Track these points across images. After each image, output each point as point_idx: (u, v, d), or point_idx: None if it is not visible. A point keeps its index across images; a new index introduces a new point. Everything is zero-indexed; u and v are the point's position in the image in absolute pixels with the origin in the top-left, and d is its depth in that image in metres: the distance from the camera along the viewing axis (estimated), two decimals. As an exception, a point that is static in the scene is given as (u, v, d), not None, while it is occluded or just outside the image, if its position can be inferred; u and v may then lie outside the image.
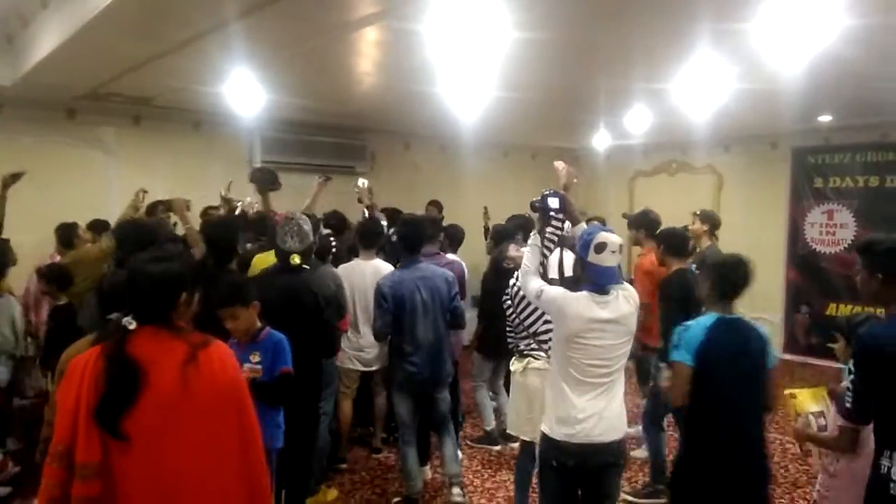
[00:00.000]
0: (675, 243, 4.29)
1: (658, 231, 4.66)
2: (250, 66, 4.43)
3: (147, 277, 1.88)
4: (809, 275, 7.95)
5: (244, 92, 4.92)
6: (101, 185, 6.07)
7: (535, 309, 3.47)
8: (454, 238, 5.60)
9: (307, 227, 3.56)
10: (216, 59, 4.25)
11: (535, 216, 3.13)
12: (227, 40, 3.81)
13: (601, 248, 2.72)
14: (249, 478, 1.94)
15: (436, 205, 6.81)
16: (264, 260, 4.01)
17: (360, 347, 4.59)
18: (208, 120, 6.51)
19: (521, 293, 3.50)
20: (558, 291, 2.81)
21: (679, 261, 4.24)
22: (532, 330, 3.57)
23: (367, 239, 4.62)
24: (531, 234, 3.08)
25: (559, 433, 2.75)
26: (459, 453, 4.70)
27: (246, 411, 1.96)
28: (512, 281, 3.66)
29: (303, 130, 7.17)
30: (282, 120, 6.84)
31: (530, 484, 3.81)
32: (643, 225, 4.99)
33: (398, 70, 4.76)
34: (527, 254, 3.01)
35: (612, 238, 2.75)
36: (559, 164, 3.31)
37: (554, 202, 3.01)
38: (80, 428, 1.75)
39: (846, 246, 7.66)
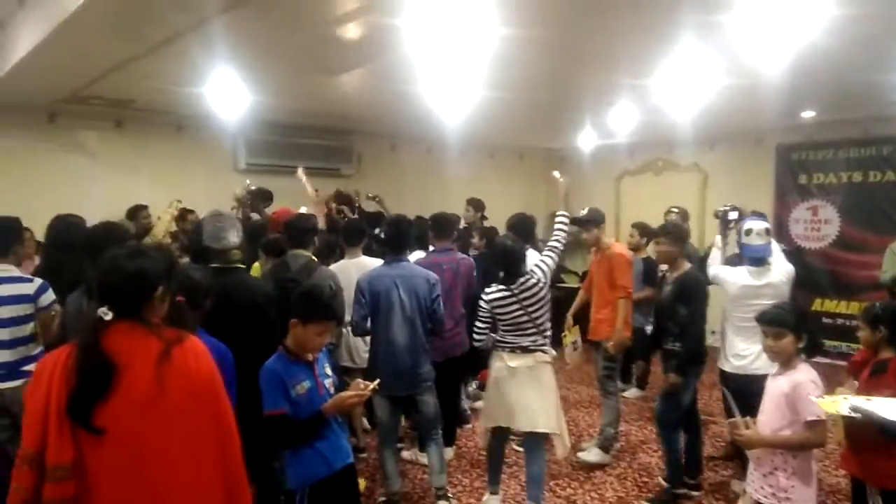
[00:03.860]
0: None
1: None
2: (232, 66, 4.39)
3: (122, 272, 1.84)
4: (795, 271, 7.96)
5: (227, 93, 4.87)
6: (82, 189, 5.98)
7: (543, 306, 3.74)
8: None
9: (237, 222, 3.42)
10: (197, 58, 4.21)
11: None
12: (207, 39, 3.78)
13: (749, 232, 3.94)
14: (227, 477, 1.89)
15: (473, 203, 6.57)
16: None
17: (349, 346, 4.59)
18: (191, 123, 6.46)
19: (536, 293, 3.69)
20: (723, 268, 4.15)
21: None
22: (543, 327, 3.76)
23: (350, 237, 4.63)
24: (716, 237, 4.49)
25: (727, 366, 3.96)
26: (450, 451, 4.71)
27: (222, 409, 1.91)
28: (534, 281, 3.72)
29: (288, 132, 7.13)
30: (266, 122, 6.79)
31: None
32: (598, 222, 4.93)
33: (383, 68, 4.73)
34: (714, 250, 4.38)
35: (757, 224, 3.96)
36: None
37: (734, 215, 4.45)
38: (52, 428, 1.70)
39: (831, 241, 7.71)
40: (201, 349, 1.91)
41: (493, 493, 4.06)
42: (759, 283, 3.86)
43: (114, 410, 1.73)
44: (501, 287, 3.73)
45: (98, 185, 6.08)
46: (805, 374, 2.72)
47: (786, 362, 2.80)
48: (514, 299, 3.68)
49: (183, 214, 5.69)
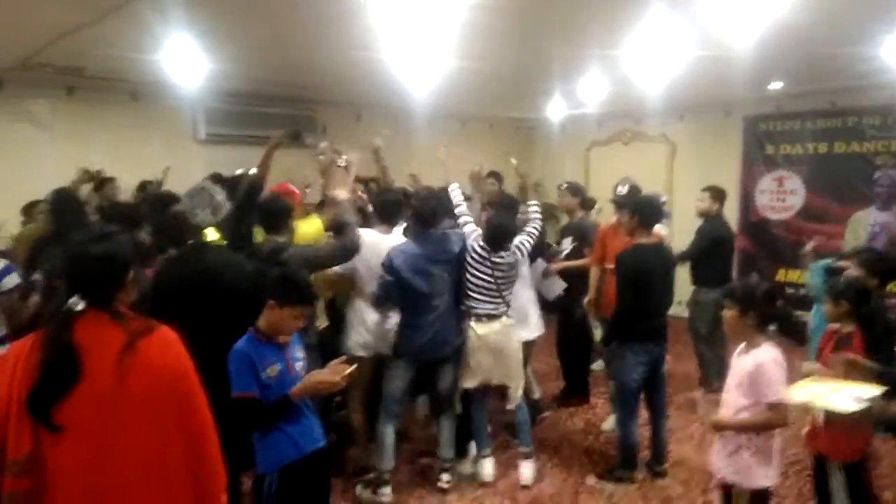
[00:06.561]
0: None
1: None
2: (189, 32, 4.20)
3: (92, 258, 1.75)
4: (760, 241, 8.08)
5: (184, 60, 4.68)
6: (32, 160, 5.73)
7: (512, 281, 4.04)
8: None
9: (220, 196, 3.16)
10: (151, 23, 4.00)
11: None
12: (160, 3, 3.59)
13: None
14: (199, 472, 1.83)
15: (496, 176, 6.30)
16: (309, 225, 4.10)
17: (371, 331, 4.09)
18: (147, 91, 6.20)
19: (507, 266, 3.95)
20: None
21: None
22: (508, 299, 4.05)
23: (385, 210, 4.20)
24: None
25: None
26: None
27: (191, 402, 1.83)
28: (512, 261, 3.98)
29: (249, 102, 6.91)
30: (227, 91, 6.57)
31: None
32: None
33: (348, 36, 4.57)
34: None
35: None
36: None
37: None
38: (12, 421, 1.64)
39: (796, 212, 7.81)
40: (171, 340, 1.83)
41: (485, 455, 4.17)
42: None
43: (73, 405, 1.67)
44: (483, 246, 3.93)
45: (50, 157, 5.81)
46: (767, 355, 2.71)
47: (745, 339, 2.81)
48: (489, 265, 3.91)
49: (101, 183, 5.39)
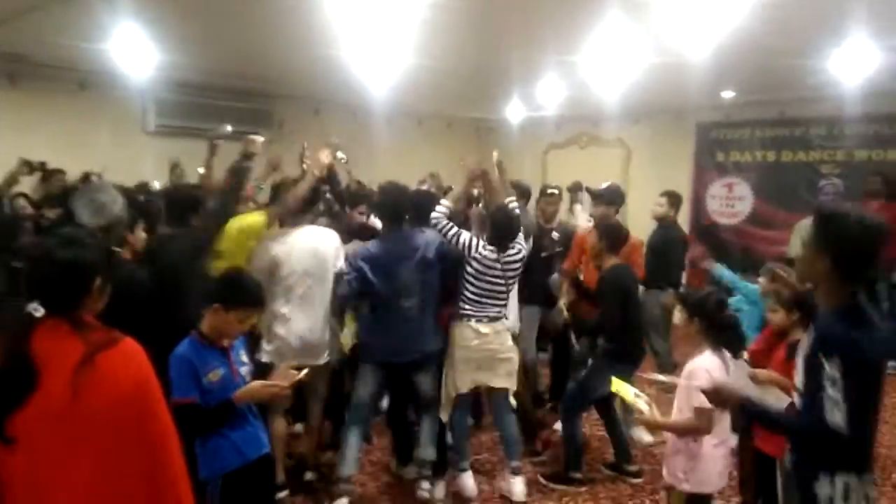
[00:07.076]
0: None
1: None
2: (138, 20, 4.07)
3: (54, 263, 1.65)
4: (710, 246, 8.24)
5: (133, 49, 4.54)
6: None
7: (518, 272, 3.85)
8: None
9: (107, 197, 2.87)
10: (99, 11, 3.87)
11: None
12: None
13: None
14: (159, 491, 1.74)
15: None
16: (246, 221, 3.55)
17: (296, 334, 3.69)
18: (95, 80, 6.00)
19: (517, 263, 3.79)
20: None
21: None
22: (511, 291, 3.92)
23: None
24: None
25: None
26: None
27: (151, 422, 1.73)
28: (521, 255, 3.83)
29: (202, 93, 6.75)
30: (179, 81, 6.41)
31: None
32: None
33: (303, 28, 4.49)
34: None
35: None
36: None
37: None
38: None
39: (744, 218, 8.01)
40: (133, 352, 1.72)
41: (464, 469, 3.95)
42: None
43: (26, 420, 1.58)
44: (491, 248, 3.72)
45: (-10, 146, 5.59)
46: (702, 363, 2.73)
47: (692, 344, 2.85)
48: (499, 268, 3.74)
49: (48, 174, 5.19)
